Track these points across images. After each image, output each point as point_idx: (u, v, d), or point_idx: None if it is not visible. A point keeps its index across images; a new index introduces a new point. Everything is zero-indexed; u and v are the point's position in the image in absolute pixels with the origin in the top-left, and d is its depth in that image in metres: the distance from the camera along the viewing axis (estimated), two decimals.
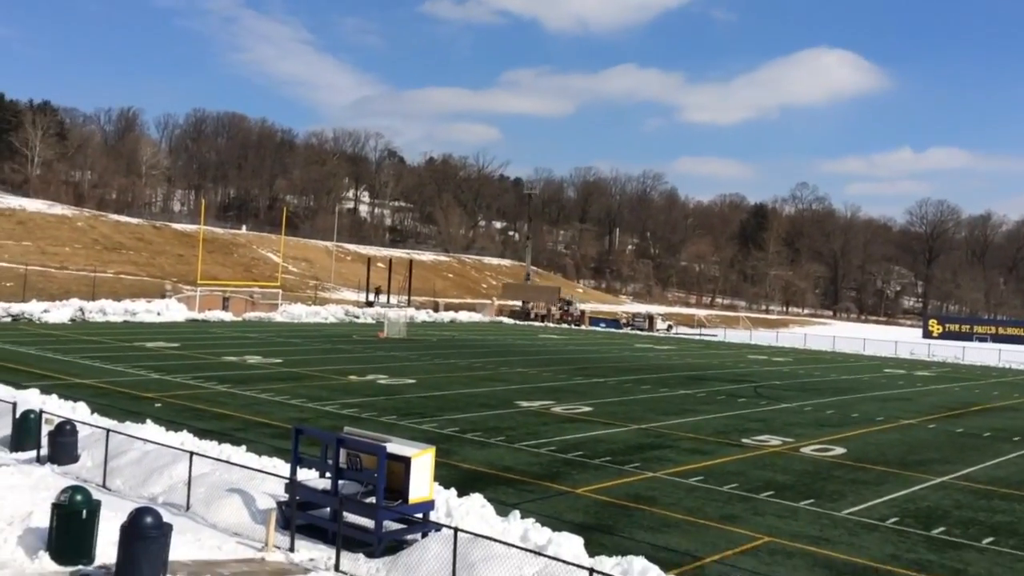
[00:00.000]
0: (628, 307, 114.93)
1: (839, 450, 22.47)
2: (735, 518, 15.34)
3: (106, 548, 10.99)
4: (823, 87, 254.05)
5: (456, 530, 10.91)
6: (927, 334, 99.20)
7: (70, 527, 11.00)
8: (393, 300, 78.97)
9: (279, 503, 13.16)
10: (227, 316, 62.19)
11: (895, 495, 17.79)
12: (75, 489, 11.30)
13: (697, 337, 77.87)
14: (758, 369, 45.61)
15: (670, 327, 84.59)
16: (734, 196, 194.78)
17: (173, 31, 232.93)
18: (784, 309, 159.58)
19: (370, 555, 11.86)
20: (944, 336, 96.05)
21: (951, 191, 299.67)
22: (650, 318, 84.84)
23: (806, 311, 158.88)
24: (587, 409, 27.13)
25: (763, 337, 78.63)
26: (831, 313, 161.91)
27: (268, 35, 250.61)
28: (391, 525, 12.46)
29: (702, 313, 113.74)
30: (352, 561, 11.71)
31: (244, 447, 17.24)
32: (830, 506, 16.54)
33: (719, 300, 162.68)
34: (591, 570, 9.80)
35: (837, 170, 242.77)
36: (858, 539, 14.53)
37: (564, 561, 10.43)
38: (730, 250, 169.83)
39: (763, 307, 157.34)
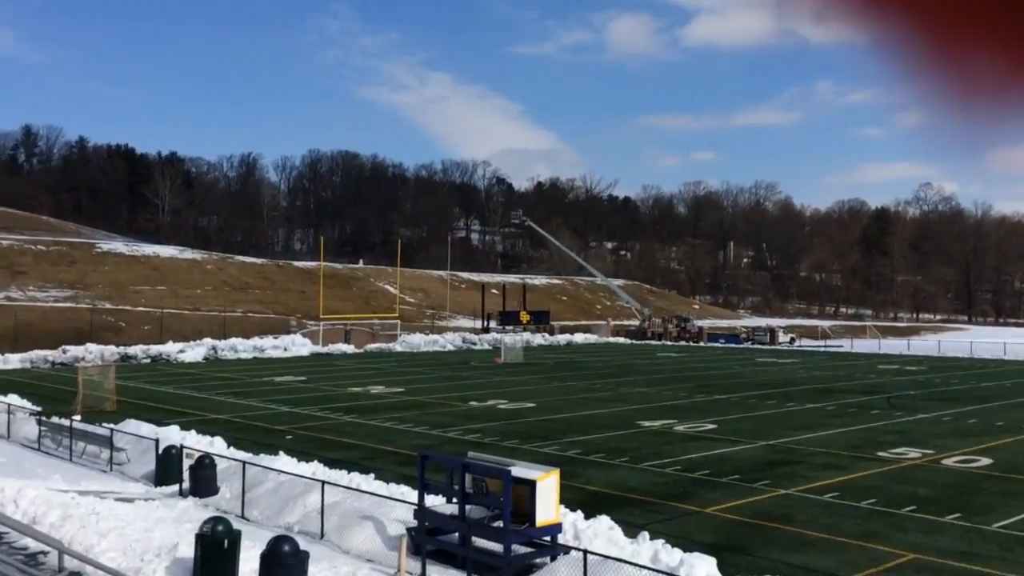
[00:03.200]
0: (747, 321, 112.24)
1: (985, 460, 21.23)
2: (875, 535, 14.65)
3: None
4: None
5: (586, 552, 10.81)
6: None
7: (213, 557, 11.42)
8: (510, 325, 79.69)
9: (408, 529, 13.33)
10: (349, 348, 63.92)
11: None
12: (216, 520, 11.75)
13: (822, 349, 75.23)
14: (890, 379, 43.69)
15: (793, 339, 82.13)
16: (853, 201, 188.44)
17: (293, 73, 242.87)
18: (914, 316, 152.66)
19: None
20: None
21: None
22: (771, 331, 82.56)
23: (939, 317, 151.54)
24: (711, 427, 26.54)
25: (893, 346, 75.36)
26: (966, 318, 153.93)
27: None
28: (520, 549, 12.44)
29: (826, 324, 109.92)
30: None
31: (372, 475, 17.58)
32: (979, 519, 15.62)
33: (843, 310, 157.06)
34: None
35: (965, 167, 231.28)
36: (1011, 554, 13.64)
37: None
38: (852, 257, 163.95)
39: (891, 315, 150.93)
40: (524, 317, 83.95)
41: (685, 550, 12.49)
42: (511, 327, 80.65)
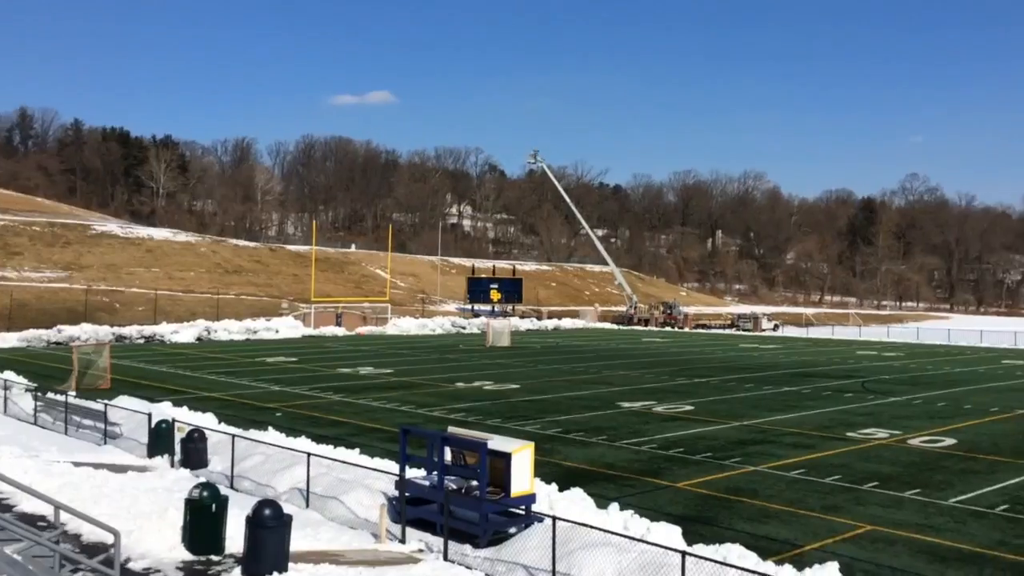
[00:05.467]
0: (733, 308, 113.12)
1: (949, 441, 22.03)
2: (837, 508, 15.40)
3: (235, 540, 12.02)
4: None
5: (555, 519, 11.46)
6: None
7: (201, 520, 12.08)
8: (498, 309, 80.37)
9: (389, 498, 14.01)
10: (340, 331, 64.50)
11: (1007, 483, 17.45)
12: (205, 486, 12.40)
13: (804, 335, 76.18)
14: (867, 365, 44.55)
15: (776, 326, 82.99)
16: (841, 191, 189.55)
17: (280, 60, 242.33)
18: (897, 304, 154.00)
19: (476, 545, 12.53)
20: None
21: None
22: (755, 318, 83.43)
23: (921, 305, 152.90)
24: (689, 408, 27.30)
25: (874, 333, 76.34)
26: (948, 307, 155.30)
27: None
28: (496, 518, 13.09)
29: (810, 312, 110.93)
30: (459, 551, 12.40)
31: (358, 450, 18.27)
32: (937, 495, 16.39)
33: (828, 298, 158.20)
34: (684, 553, 10.11)
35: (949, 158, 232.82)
36: (965, 526, 14.41)
37: (660, 546, 10.76)
38: (838, 246, 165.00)
39: (875, 303, 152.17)
40: (495, 295, 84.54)
41: (654, 521, 13.19)
42: (483, 306, 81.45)
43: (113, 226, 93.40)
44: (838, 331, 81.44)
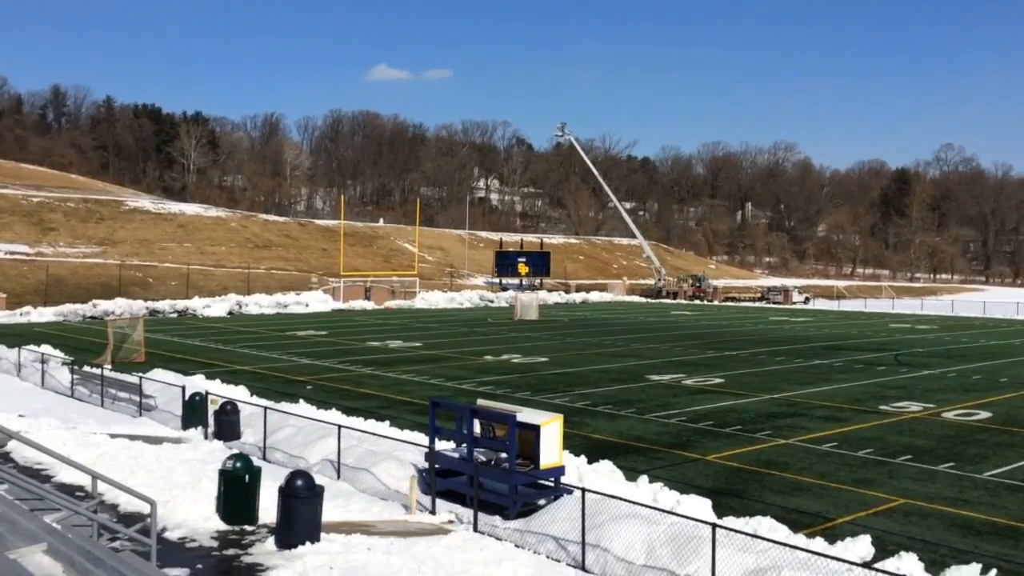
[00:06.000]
0: (763, 281, 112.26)
1: (984, 414, 21.76)
2: (869, 482, 15.28)
3: (267, 511, 12.16)
4: None
5: (584, 491, 11.48)
6: None
7: (235, 491, 12.22)
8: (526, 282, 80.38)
9: (419, 470, 14.10)
10: (369, 305, 64.85)
11: None
12: (238, 457, 12.53)
13: (836, 308, 75.47)
14: (900, 338, 44.05)
15: (807, 299, 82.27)
16: (874, 162, 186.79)
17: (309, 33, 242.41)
18: (932, 277, 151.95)
19: (505, 517, 12.59)
20: None
21: None
22: (785, 291, 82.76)
23: (957, 278, 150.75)
24: (719, 381, 27.17)
25: (907, 305, 75.46)
26: (984, 279, 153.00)
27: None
28: (525, 490, 13.14)
29: (842, 284, 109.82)
30: (489, 522, 12.47)
31: (387, 422, 18.39)
32: (971, 469, 16.21)
33: (860, 271, 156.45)
34: (715, 526, 10.09)
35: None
36: (999, 499, 14.26)
37: (689, 518, 10.75)
38: (870, 218, 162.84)
39: (909, 276, 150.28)
40: (523, 269, 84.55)
41: (683, 493, 13.17)
42: (511, 280, 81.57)
43: (145, 202, 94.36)
44: (870, 304, 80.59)
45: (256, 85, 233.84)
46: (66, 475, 13.96)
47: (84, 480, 12.75)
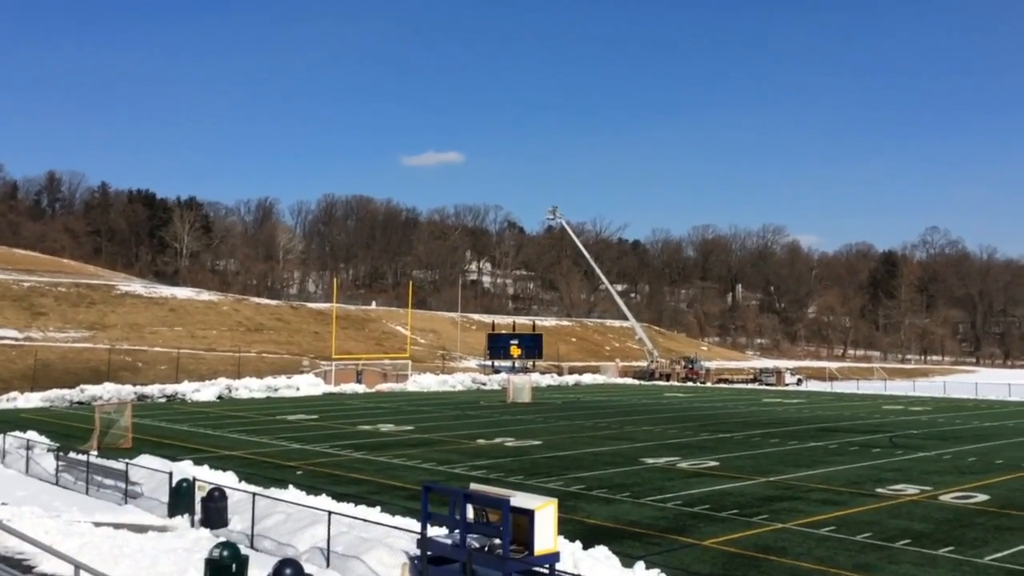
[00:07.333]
0: (755, 363, 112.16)
1: (982, 497, 21.53)
2: (869, 567, 15.01)
3: None
4: None
5: None
6: None
7: None
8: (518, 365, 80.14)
9: (411, 557, 13.80)
10: (361, 388, 64.42)
11: None
12: (225, 545, 12.28)
13: (828, 390, 75.30)
14: (894, 419, 43.86)
15: (799, 381, 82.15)
16: (861, 244, 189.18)
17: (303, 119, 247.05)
18: (922, 358, 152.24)
19: None
20: None
21: None
22: (778, 372, 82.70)
23: (947, 359, 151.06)
24: (713, 464, 26.90)
25: (900, 387, 75.34)
26: (974, 360, 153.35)
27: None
28: None
29: (833, 366, 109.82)
30: None
31: (379, 508, 18.07)
32: (971, 553, 15.95)
33: (851, 352, 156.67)
34: None
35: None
36: None
37: None
38: (860, 300, 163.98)
39: (899, 357, 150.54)
40: (515, 351, 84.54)
41: None
42: (503, 362, 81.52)
43: (137, 286, 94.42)
44: (863, 385, 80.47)
45: (250, 170, 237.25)
46: (48, 565, 13.63)
47: (67, 570, 12.43)
